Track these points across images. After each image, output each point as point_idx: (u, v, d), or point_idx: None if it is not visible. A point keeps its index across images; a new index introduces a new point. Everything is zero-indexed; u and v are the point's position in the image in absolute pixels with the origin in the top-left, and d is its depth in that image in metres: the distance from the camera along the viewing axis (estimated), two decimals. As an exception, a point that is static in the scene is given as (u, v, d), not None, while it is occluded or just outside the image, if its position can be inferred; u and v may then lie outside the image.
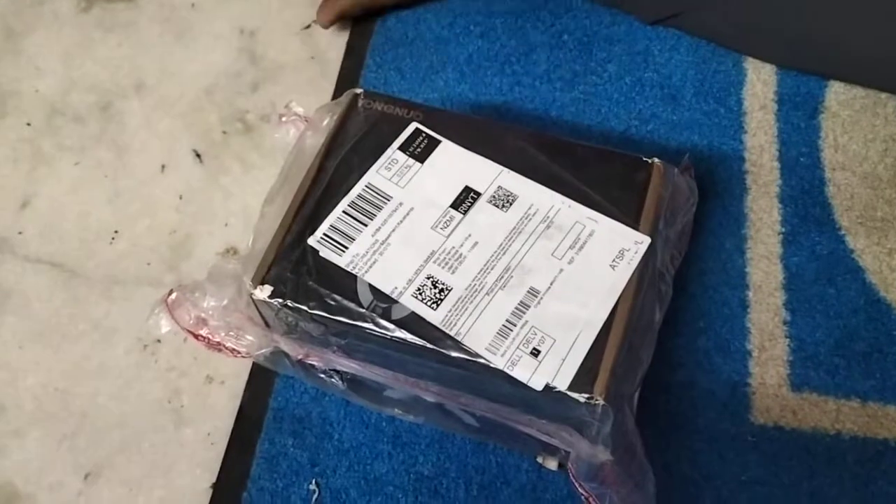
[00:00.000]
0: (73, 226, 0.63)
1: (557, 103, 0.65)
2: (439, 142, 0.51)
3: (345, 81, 0.68)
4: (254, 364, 0.56)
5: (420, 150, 0.51)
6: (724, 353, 0.55)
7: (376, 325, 0.44)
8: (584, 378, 0.42)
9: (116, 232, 0.63)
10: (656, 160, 0.50)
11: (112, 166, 0.66)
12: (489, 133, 0.52)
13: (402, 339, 0.44)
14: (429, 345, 0.44)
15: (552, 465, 0.51)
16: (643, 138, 0.63)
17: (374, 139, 0.51)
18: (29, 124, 0.68)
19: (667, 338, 0.54)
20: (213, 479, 0.53)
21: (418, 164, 0.50)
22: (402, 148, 0.51)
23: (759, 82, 0.65)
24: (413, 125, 0.52)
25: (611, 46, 0.68)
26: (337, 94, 0.67)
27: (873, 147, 0.61)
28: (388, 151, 0.51)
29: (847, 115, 0.63)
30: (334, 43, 0.70)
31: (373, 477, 0.52)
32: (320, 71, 0.69)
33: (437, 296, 0.45)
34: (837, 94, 0.63)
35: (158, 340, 0.58)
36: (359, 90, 0.54)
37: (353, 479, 0.52)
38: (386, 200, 0.49)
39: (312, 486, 0.52)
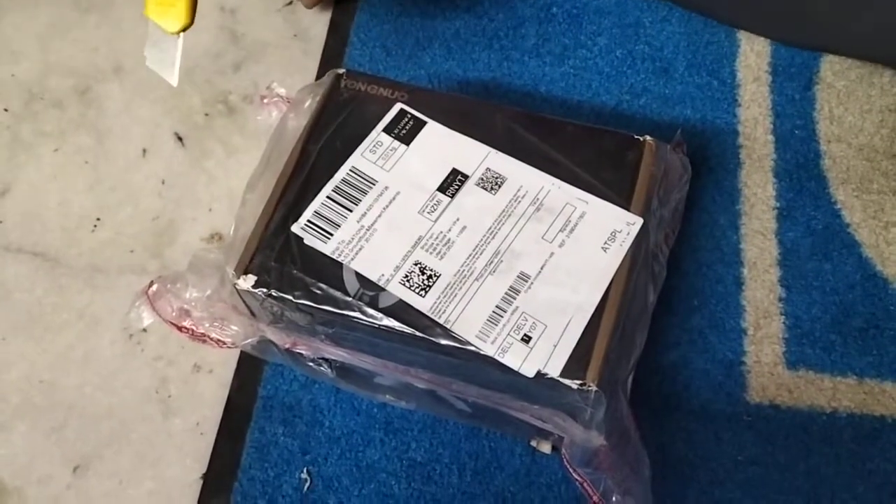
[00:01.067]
0: (54, 214, 0.62)
1: (547, 78, 0.64)
2: (425, 123, 0.50)
3: (329, 60, 0.66)
4: (242, 352, 0.55)
5: (405, 132, 0.49)
6: (718, 331, 0.54)
7: (363, 313, 0.43)
8: (576, 364, 0.41)
9: (98, 219, 0.61)
10: (648, 138, 0.49)
11: (93, 152, 0.64)
12: (476, 113, 0.50)
13: (390, 327, 0.43)
14: (418, 333, 0.43)
15: (546, 448, 0.51)
16: (635, 113, 0.62)
17: (357, 121, 0.50)
18: (6, 110, 0.66)
19: (660, 317, 0.53)
20: (203, 470, 0.52)
21: (404, 147, 0.49)
22: (387, 130, 0.50)
23: (753, 53, 0.63)
24: (398, 106, 0.50)
25: (601, 19, 0.66)
26: (321, 73, 0.65)
27: (869, 118, 0.60)
28: (373, 134, 0.49)
29: (842, 86, 0.61)
30: (318, 20, 0.69)
31: (365, 464, 0.52)
32: (303, 49, 0.67)
33: (426, 282, 0.44)
34: (832, 64, 0.62)
35: (144, 329, 0.57)
36: (341, 70, 0.52)
37: (345, 466, 0.52)
38: (371, 185, 0.48)
39: (304, 475, 0.51)
